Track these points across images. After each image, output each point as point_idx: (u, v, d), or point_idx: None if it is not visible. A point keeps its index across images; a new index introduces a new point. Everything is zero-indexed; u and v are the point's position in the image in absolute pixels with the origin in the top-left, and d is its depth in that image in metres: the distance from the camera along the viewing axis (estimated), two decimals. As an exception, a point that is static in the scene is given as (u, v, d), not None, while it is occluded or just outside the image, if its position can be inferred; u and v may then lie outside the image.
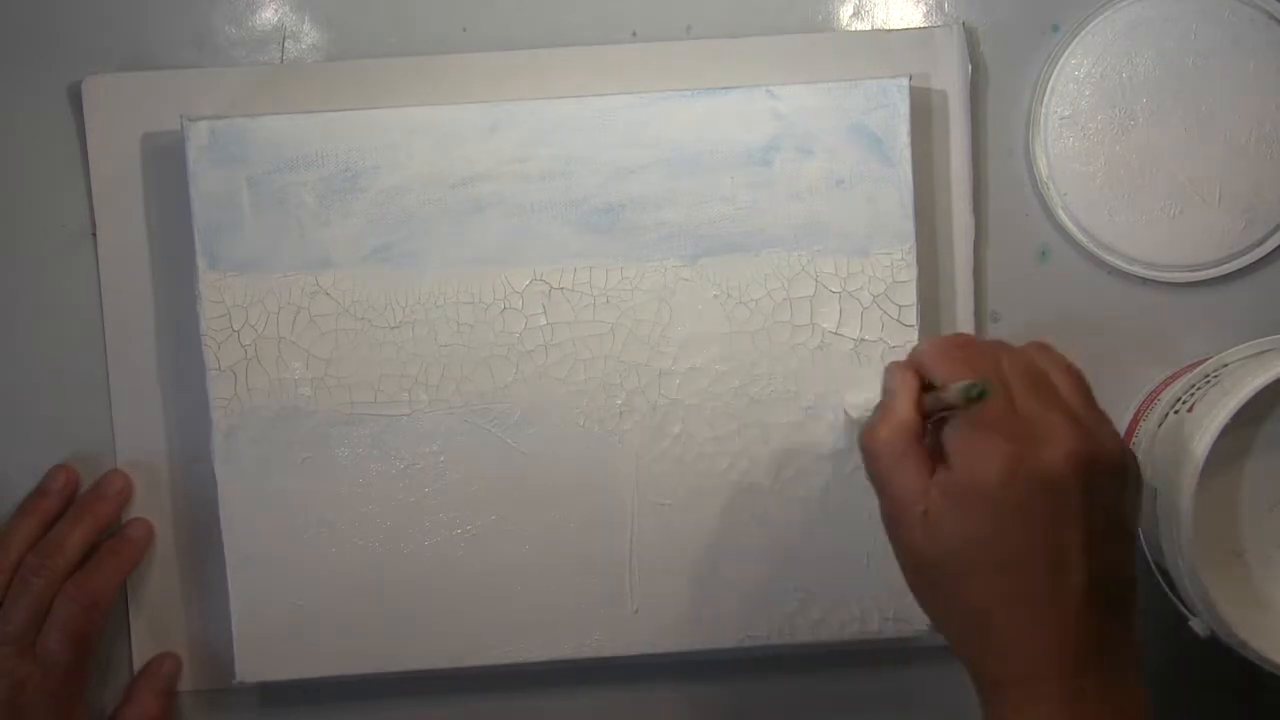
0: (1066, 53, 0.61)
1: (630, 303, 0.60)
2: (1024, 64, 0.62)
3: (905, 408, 0.50)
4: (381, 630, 0.60)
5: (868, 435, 0.50)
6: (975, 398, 0.47)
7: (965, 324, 0.62)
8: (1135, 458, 0.49)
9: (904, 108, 0.59)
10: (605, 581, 0.60)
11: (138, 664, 0.62)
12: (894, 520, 0.49)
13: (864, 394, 0.58)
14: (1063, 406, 0.48)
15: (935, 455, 0.49)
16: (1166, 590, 0.59)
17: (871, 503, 0.60)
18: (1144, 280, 0.62)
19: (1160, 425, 0.58)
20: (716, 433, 0.60)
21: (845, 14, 0.62)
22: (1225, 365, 0.58)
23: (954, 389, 0.48)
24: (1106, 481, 0.47)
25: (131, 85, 0.60)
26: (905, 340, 0.60)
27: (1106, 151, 0.61)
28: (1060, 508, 0.46)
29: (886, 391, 0.51)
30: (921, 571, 0.49)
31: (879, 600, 0.60)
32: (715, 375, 0.60)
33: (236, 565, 0.59)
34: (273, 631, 0.60)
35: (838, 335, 0.60)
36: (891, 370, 0.51)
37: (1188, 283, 0.62)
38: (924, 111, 0.61)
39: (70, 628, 0.58)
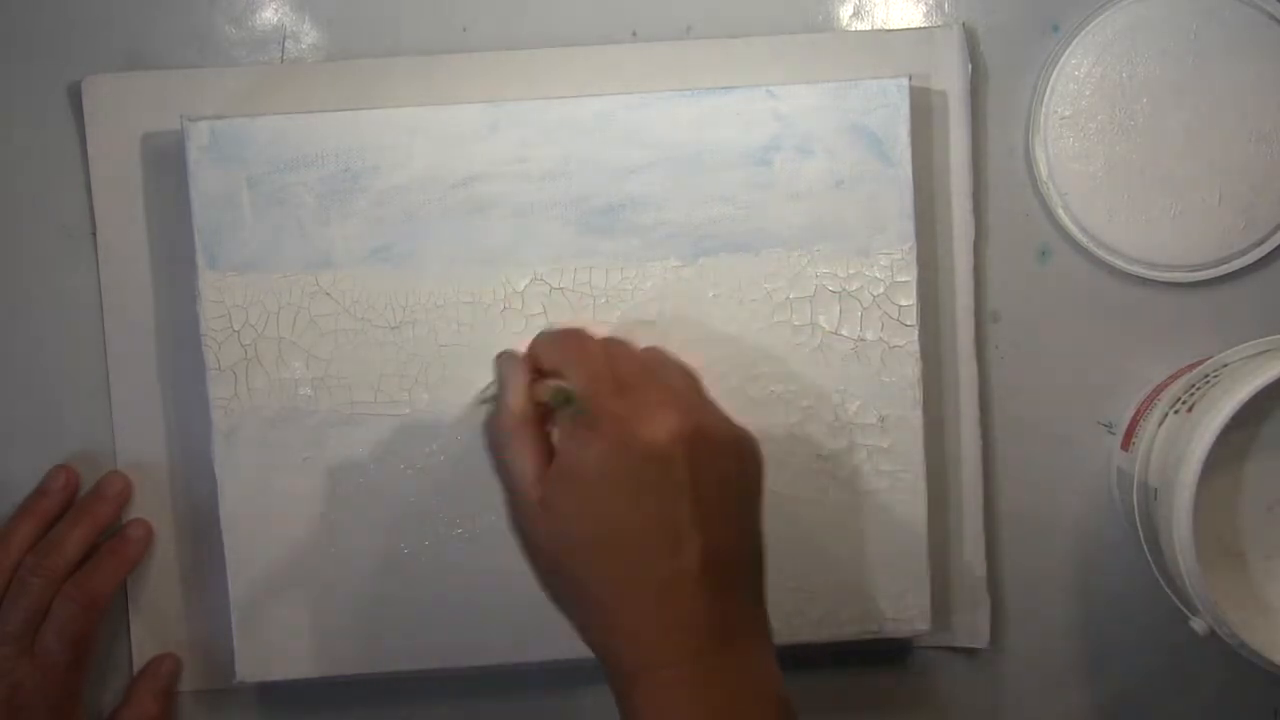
0: (1066, 53, 0.61)
1: (630, 303, 0.59)
2: (1024, 64, 0.62)
3: (516, 398, 0.50)
4: (382, 630, 0.60)
5: (486, 427, 0.50)
6: (565, 403, 0.48)
7: (965, 324, 0.62)
8: (754, 439, 0.49)
9: (904, 108, 0.59)
10: (605, 581, 0.60)
11: (138, 664, 0.62)
12: (514, 509, 0.49)
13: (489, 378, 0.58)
14: (670, 393, 0.49)
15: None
16: (1166, 590, 0.59)
17: (871, 503, 0.60)
18: (1144, 280, 0.62)
19: (1160, 425, 0.58)
20: (716, 433, 0.60)
21: (845, 14, 0.62)
22: (1225, 365, 0.58)
23: (548, 387, 0.49)
24: (716, 457, 0.48)
25: (131, 85, 0.60)
26: (905, 340, 0.60)
27: (1106, 151, 0.61)
28: (667, 483, 0.47)
29: (499, 382, 0.51)
30: (543, 561, 0.49)
31: (880, 599, 0.60)
32: (715, 375, 0.60)
33: (236, 565, 0.59)
34: (273, 631, 0.60)
35: (838, 335, 0.60)
36: (503, 360, 0.51)
37: (1188, 283, 0.62)
38: (924, 111, 0.61)
39: (69, 628, 0.58)
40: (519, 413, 0.50)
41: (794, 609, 0.60)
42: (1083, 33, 0.61)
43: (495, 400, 0.51)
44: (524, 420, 0.49)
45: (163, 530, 0.62)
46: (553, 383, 0.49)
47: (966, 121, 0.61)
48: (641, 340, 0.58)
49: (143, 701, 0.61)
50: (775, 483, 0.60)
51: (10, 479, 0.61)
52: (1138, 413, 0.62)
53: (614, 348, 0.51)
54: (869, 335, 0.60)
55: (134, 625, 0.62)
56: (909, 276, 0.60)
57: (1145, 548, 0.59)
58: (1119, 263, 0.62)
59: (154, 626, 0.62)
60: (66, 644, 0.58)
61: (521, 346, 0.52)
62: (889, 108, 0.59)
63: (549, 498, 0.48)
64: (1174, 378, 0.61)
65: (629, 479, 0.47)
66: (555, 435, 0.49)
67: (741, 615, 0.48)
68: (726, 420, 0.49)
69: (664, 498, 0.47)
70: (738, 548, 0.49)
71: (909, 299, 0.60)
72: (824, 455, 0.60)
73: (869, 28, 0.62)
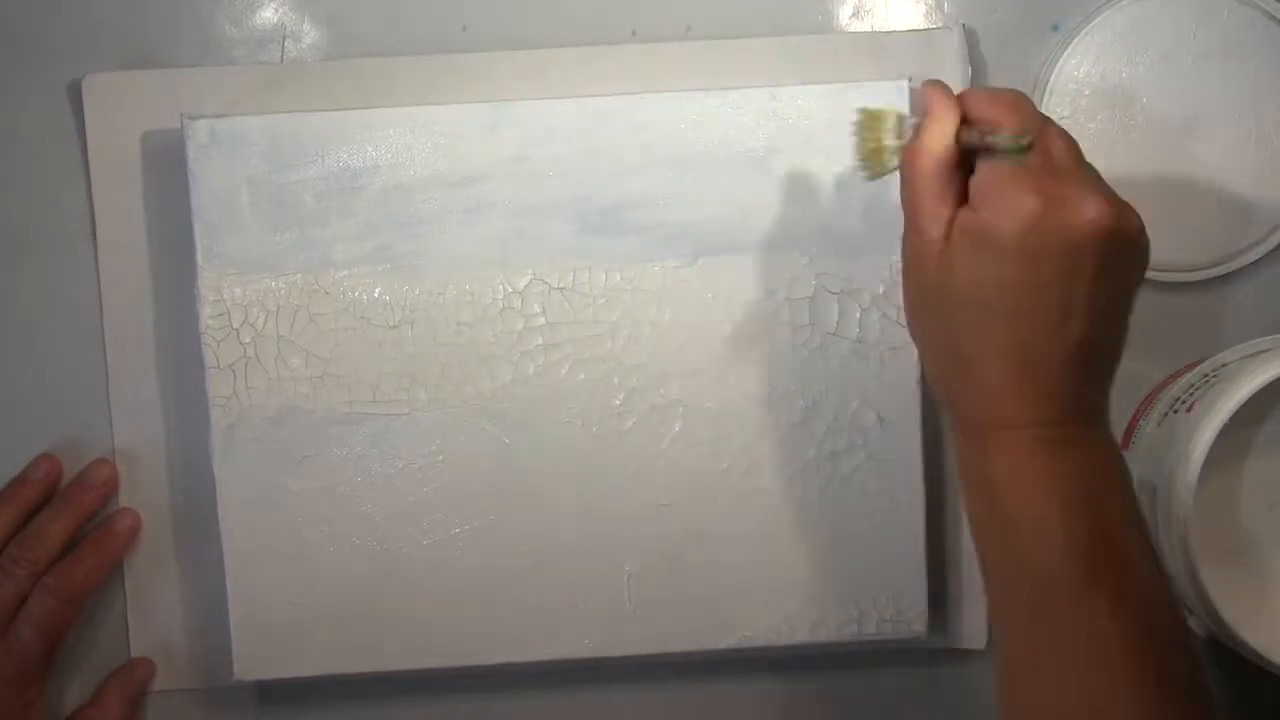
0: (1066, 53, 0.61)
1: (630, 303, 0.59)
2: (1024, 64, 0.62)
3: (943, 133, 0.49)
4: (381, 630, 0.60)
5: (908, 152, 0.50)
6: (1021, 149, 0.47)
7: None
8: (1149, 241, 0.49)
9: (904, 109, 0.59)
10: (604, 581, 0.60)
11: (136, 663, 0.62)
12: (911, 243, 0.50)
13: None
14: (1099, 183, 0.48)
15: (966, 191, 0.49)
16: (1166, 590, 0.59)
17: (869, 503, 0.60)
18: (1144, 280, 0.62)
19: (1159, 425, 0.58)
20: (716, 433, 0.60)
21: (845, 15, 0.62)
22: (1225, 365, 0.58)
23: (1003, 136, 0.48)
24: (1123, 257, 0.48)
25: (132, 84, 0.60)
26: (905, 341, 0.59)
27: (1106, 151, 0.61)
28: (1074, 270, 0.47)
29: (930, 115, 0.50)
30: (924, 302, 0.50)
31: (878, 600, 0.60)
32: (715, 375, 0.60)
33: (235, 564, 0.59)
34: (271, 630, 0.59)
35: (837, 336, 0.60)
36: (935, 92, 0.50)
37: (1188, 283, 0.62)
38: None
39: (45, 621, 0.58)
40: (942, 148, 0.49)
41: (792, 610, 0.60)
42: (1083, 33, 0.61)
43: (917, 132, 0.50)
44: (945, 159, 0.49)
45: (162, 529, 0.62)
46: (1010, 133, 0.48)
47: (966, 121, 0.61)
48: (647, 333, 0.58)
49: (109, 704, 0.61)
50: (775, 482, 0.60)
51: (10, 479, 0.61)
52: (1137, 413, 0.61)
53: (1049, 124, 0.50)
54: (868, 336, 0.60)
55: (133, 624, 0.62)
56: (908, 276, 0.59)
57: (1145, 548, 0.59)
58: (1119, 263, 0.62)
59: (152, 625, 0.62)
60: (40, 635, 0.58)
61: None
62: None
63: (954, 247, 0.48)
64: (1174, 378, 0.61)
65: (1041, 254, 0.47)
66: (980, 179, 0.48)
67: (1095, 404, 0.49)
68: (1139, 219, 0.49)
69: (1067, 283, 0.47)
70: (1112, 342, 0.49)
71: (908, 299, 0.60)
72: (824, 455, 0.60)
73: (869, 29, 0.62)
